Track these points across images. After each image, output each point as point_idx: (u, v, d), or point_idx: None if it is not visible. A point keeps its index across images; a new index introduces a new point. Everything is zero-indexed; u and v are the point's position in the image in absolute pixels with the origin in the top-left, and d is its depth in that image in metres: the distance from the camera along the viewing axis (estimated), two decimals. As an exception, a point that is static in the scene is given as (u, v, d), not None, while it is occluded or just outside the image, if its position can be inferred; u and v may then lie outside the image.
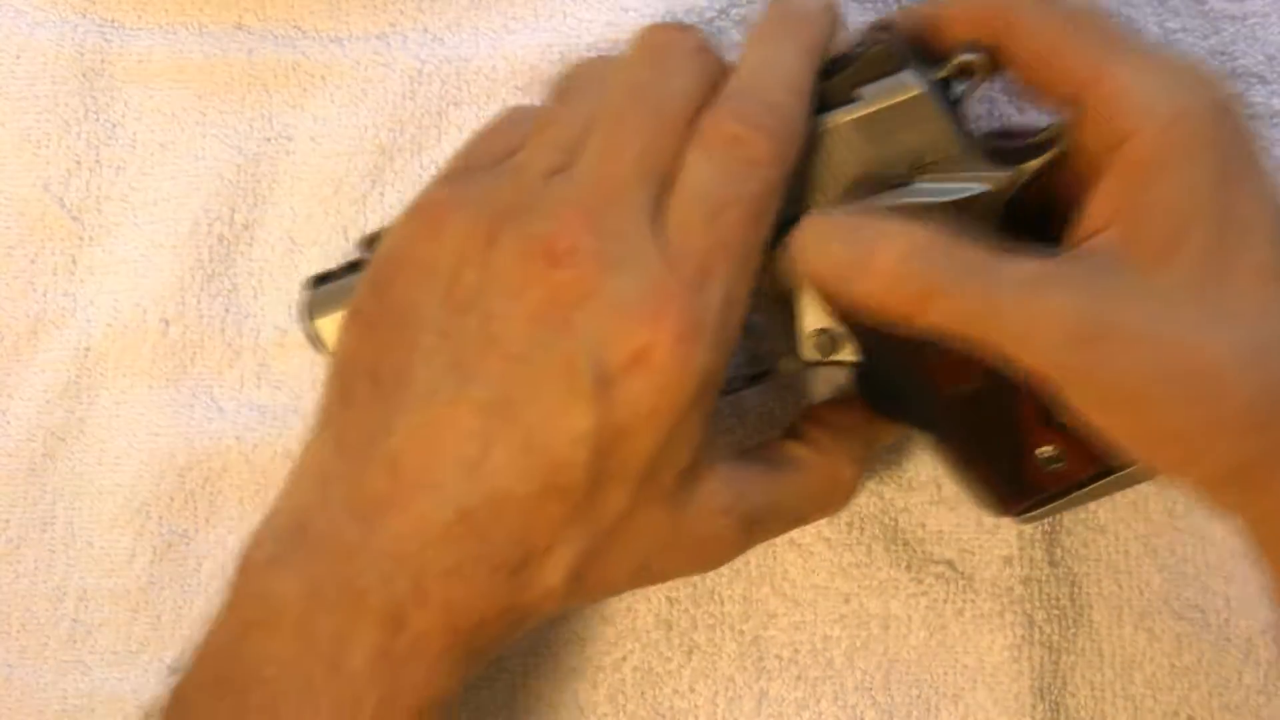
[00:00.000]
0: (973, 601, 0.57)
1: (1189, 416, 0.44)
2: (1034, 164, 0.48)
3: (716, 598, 0.58)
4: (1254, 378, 0.44)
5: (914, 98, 0.49)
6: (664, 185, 0.46)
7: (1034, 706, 0.57)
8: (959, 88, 0.49)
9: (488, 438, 0.45)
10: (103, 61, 0.59)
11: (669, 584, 0.58)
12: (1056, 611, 0.57)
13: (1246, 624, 0.57)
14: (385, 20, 0.59)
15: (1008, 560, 0.57)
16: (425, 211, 0.48)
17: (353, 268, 0.51)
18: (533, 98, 0.58)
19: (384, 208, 0.59)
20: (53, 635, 0.58)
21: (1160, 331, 0.44)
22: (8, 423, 0.59)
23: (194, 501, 0.58)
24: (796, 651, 0.58)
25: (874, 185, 0.49)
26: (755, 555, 0.58)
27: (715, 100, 0.47)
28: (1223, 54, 0.59)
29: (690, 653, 0.58)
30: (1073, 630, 0.57)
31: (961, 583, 0.57)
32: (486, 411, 0.45)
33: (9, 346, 0.59)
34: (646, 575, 0.48)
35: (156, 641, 0.58)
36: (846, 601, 0.58)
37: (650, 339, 0.44)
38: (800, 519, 0.51)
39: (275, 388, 0.59)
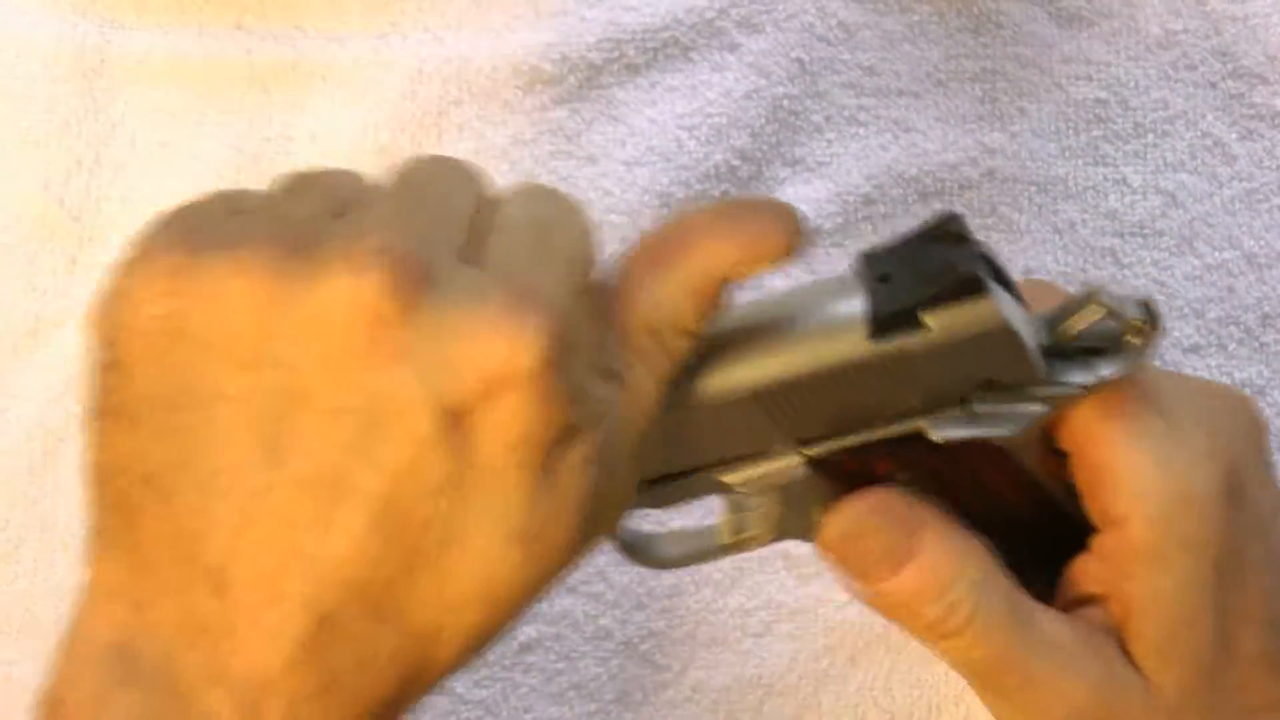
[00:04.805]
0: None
1: None
2: (1107, 375, 0.43)
3: (713, 608, 0.58)
4: None
5: (999, 332, 0.42)
6: (471, 231, 0.39)
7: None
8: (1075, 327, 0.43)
9: (325, 521, 0.37)
10: (103, 61, 0.59)
11: (667, 593, 0.58)
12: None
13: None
14: (385, 20, 0.59)
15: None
16: (154, 263, 0.38)
17: None
18: (534, 98, 0.58)
19: (385, 208, 0.58)
20: (53, 635, 0.58)
21: None
22: (8, 423, 0.59)
23: (194, 502, 0.58)
24: (797, 654, 0.58)
25: (927, 407, 0.43)
26: (750, 567, 0.58)
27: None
28: (1224, 54, 0.59)
29: (689, 660, 0.58)
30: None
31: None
32: (315, 488, 0.37)
33: (9, 346, 0.59)
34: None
35: (157, 642, 0.58)
36: (848, 605, 0.58)
37: (508, 355, 0.37)
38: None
39: (275, 388, 0.58)
